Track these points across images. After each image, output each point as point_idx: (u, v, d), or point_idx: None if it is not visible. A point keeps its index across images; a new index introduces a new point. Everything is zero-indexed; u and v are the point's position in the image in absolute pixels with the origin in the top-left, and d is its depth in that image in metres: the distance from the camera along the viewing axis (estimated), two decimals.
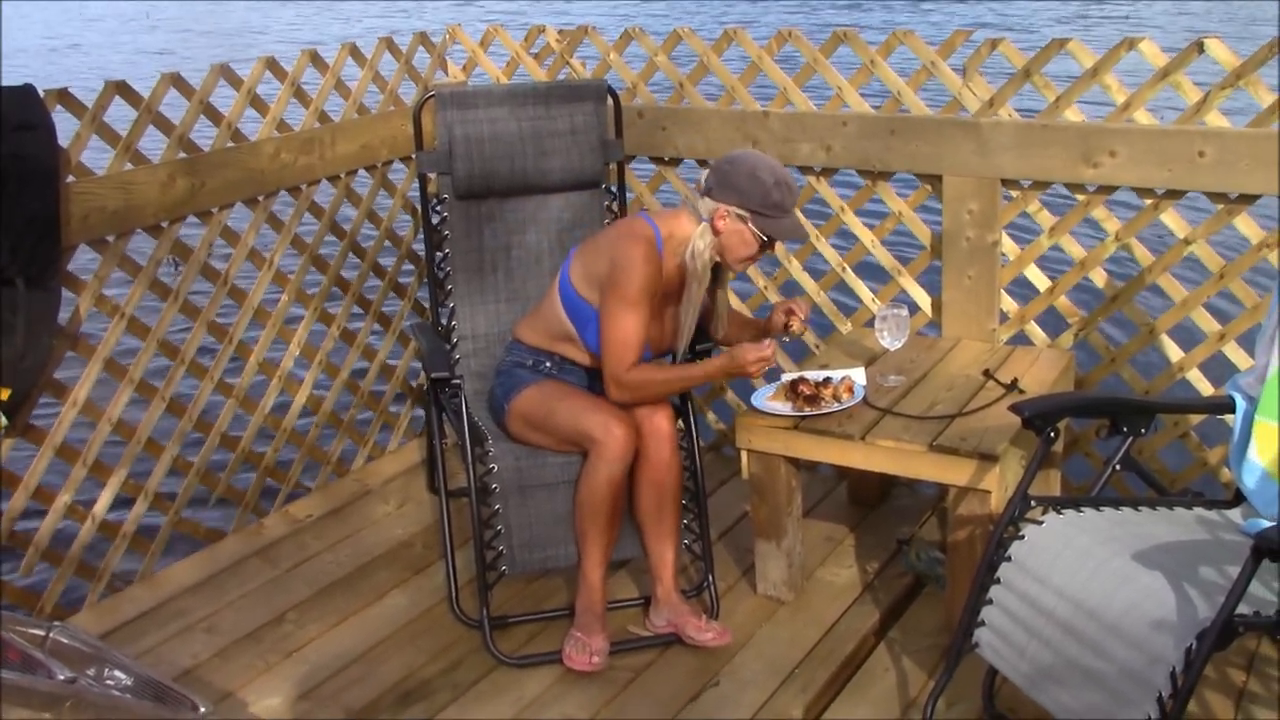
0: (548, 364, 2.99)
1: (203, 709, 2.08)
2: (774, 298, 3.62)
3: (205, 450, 3.43)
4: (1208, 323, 3.04)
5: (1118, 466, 2.44)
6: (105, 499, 3.17)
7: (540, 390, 2.93)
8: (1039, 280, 3.27)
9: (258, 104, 3.40)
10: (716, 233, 2.78)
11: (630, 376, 2.79)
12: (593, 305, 2.85)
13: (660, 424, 2.83)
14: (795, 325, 2.90)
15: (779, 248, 3.55)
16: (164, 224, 3.16)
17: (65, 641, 2.04)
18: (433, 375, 2.96)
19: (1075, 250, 3.19)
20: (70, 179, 2.89)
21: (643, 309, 2.78)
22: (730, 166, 2.77)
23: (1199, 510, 2.42)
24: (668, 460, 2.84)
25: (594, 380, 2.94)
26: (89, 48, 19.72)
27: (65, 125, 2.82)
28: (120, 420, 3.16)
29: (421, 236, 3.49)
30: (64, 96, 2.88)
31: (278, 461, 3.67)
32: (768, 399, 2.94)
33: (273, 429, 3.64)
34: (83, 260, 2.97)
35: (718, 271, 2.91)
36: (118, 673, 2.07)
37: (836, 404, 2.87)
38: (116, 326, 3.11)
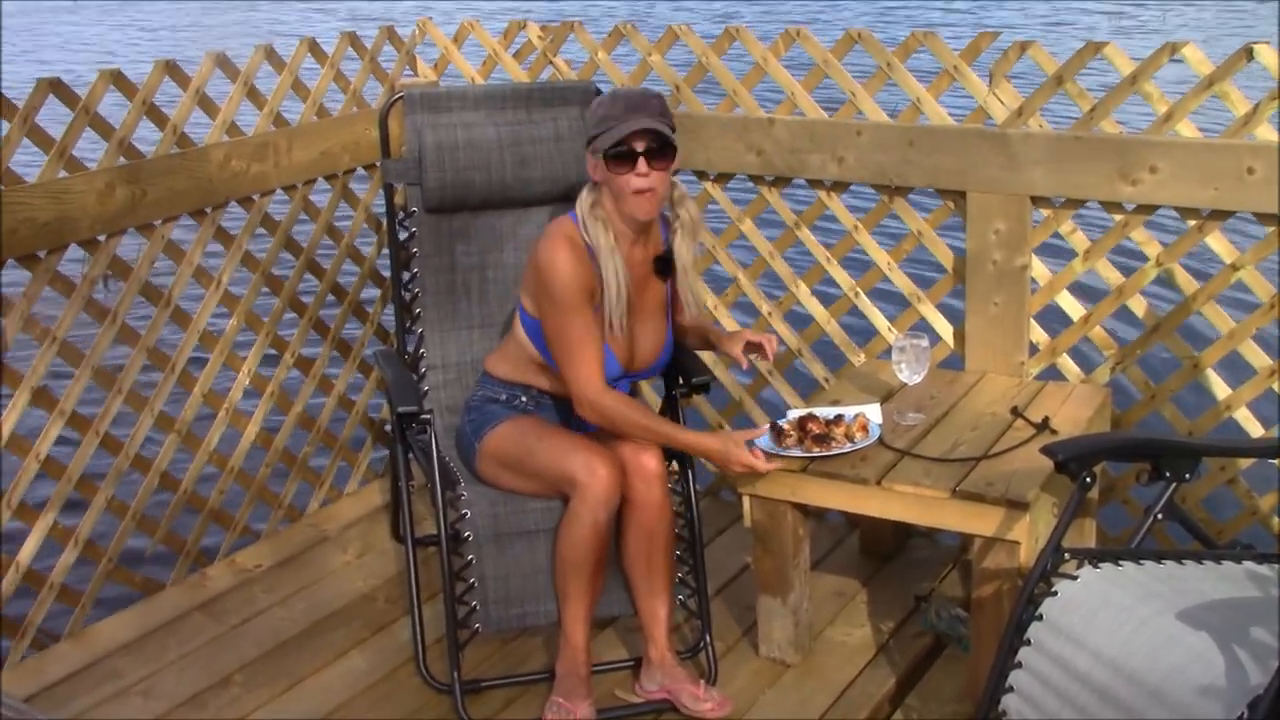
0: (523, 398, 3.03)
1: None
2: (778, 325, 3.66)
3: (143, 492, 3.44)
4: (1257, 357, 3.09)
5: (1159, 515, 2.47)
6: (31, 546, 3.18)
7: (516, 427, 2.96)
8: (1072, 309, 3.31)
9: (206, 105, 3.44)
10: (596, 187, 2.85)
11: (603, 402, 2.83)
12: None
13: (647, 463, 2.85)
14: (760, 363, 2.93)
15: (783, 268, 3.59)
16: (101, 238, 3.19)
17: None
18: (398, 409, 2.98)
19: (1112, 276, 3.24)
20: None
21: (581, 310, 2.82)
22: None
23: (1249, 564, 2.46)
24: (658, 503, 2.86)
25: (575, 417, 2.97)
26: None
27: None
28: (49, 457, 3.17)
29: (387, 254, 3.53)
30: None
31: (223, 505, 3.68)
32: (772, 438, 2.97)
33: (218, 468, 3.65)
34: (10, 278, 3.00)
35: (670, 257, 2.94)
36: None
37: (849, 444, 2.89)
38: (46, 352, 3.13)
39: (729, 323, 3.69)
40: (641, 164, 2.74)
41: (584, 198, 2.86)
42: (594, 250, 2.82)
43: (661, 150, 2.76)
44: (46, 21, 21.90)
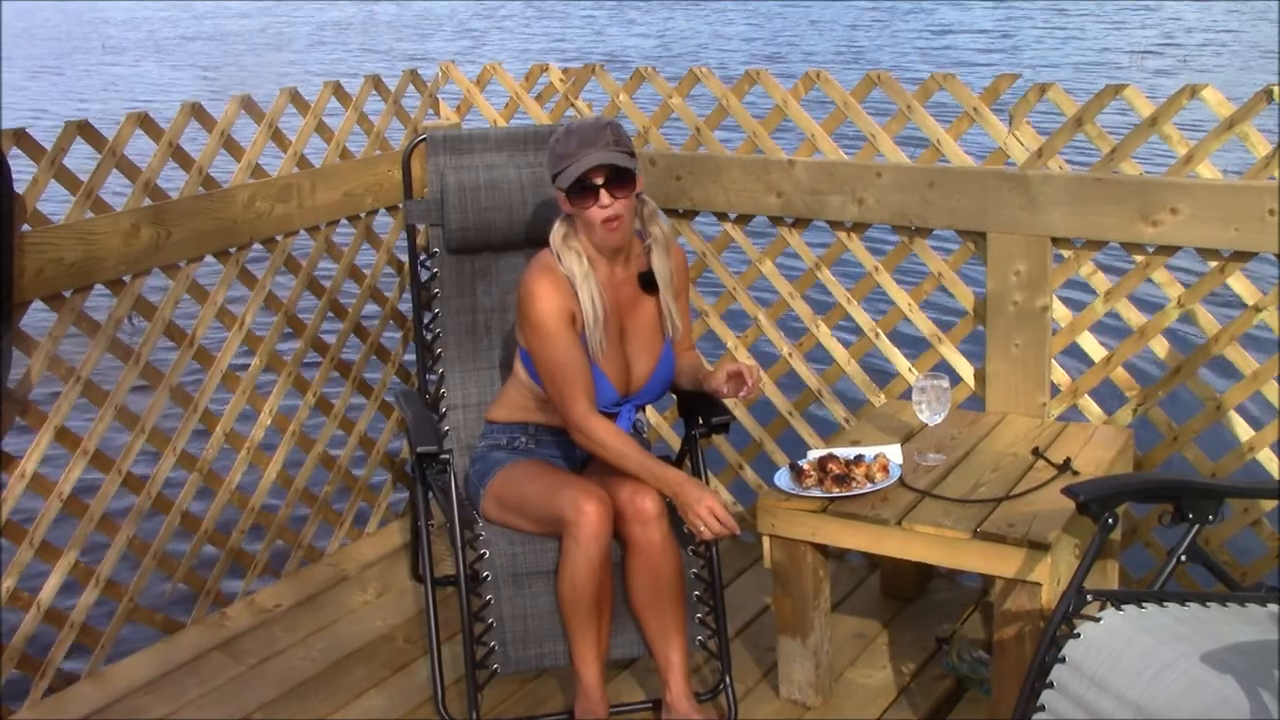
0: (522, 438, 3.06)
1: None
2: (799, 365, 3.67)
3: (164, 531, 3.46)
4: None
5: (1182, 557, 2.46)
6: (52, 584, 3.20)
7: (512, 472, 2.99)
8: (1094, 350, 3.31)
9: (231, 147, 3.48)
10: (568, 218, 2.90)
11: (589, 427, 2.84)
12: None
13: (643, 505, 2.82)
14: (743, 394, 2.93)
15: (803, 309, 3.61)
16: (126, 278, 3.22)
17: None
18: (419, 449, 2.99)
19: (1133, 317, 3.24)
20: (25, 228, 2.95)
21: (563, 337, 2.84)
22: None
23: (1274, 607, 2.44)
24: (658, 545, 2.84)
25: (573, 447, 2.99)
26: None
27: (21, 168, 2.89)
28: (72, 496, 3.19)
29: (408, 294, 3.56)
30: (20, 137, 2.96)
31: (243, 544, 3.69)
32: (792, 478, 2.97)
33: (239, 508, 3.67)
34: (36, 317, 3.03)
35: (650, 277, 2.98)
36: None
37: (869, 485, 2.90)
38: (71, 391, 3.15)
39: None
40: (603, 195, 2.80)
41: (556, 229, 2.91)
42: (571, 279, 2.86)
43: (621, 178, 2.81)
44: (82, 63, 22.23)
